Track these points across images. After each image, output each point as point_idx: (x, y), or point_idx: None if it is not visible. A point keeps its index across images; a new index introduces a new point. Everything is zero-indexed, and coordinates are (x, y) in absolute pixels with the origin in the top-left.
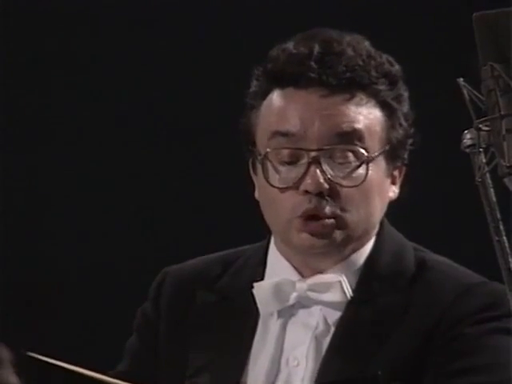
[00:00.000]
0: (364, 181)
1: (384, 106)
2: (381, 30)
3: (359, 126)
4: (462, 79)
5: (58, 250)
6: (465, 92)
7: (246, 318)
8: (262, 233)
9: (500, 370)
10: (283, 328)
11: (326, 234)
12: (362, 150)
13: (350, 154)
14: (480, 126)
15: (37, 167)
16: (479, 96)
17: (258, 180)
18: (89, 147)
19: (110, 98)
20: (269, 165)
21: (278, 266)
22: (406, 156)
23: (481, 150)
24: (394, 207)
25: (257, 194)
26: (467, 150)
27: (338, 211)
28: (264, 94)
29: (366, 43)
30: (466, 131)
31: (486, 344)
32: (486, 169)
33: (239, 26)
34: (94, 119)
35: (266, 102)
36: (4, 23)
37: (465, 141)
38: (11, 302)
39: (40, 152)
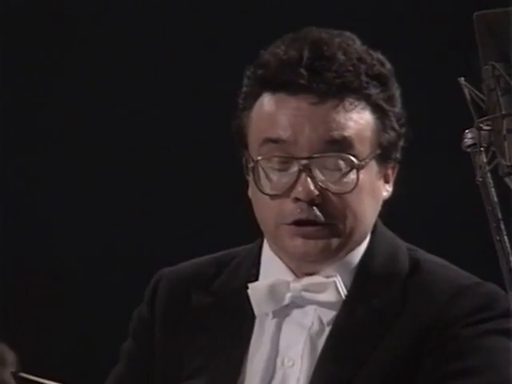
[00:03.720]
0: (355, 186)
1: (376, 108)
2: (381, 30)
3: (349, 133)
4: (463, 79)
5: (58, 249)
6: (466, 92)
7: (242, 319)
8: (259, 233)
9: (495, 372)
10: (278, 328)
11: (320, 237)
12: (353, 158)
13: (341, 162)
14: (481, 125)
15: (37, 167)
16: (480, 95)
17: (251, 183)
18: (89, 147)
19: (109, 98)
20: (260, 171)
21: (272, 267)
22: (398, 155)
23: (482, 149)
24: (393, 207)
25: (250, 193)
26: (468, 150)
27: (331, 219)
28: (255, 96)
29: (357, 43)
30: (466, 131)
31: (480, 345)
32: (487, 168)
33: (237, 25)
34: (94, 119)
35: (257, 105)
36: (4, 23)
37: (466, 140)
38: (11, 302)
39: (40, 152)
